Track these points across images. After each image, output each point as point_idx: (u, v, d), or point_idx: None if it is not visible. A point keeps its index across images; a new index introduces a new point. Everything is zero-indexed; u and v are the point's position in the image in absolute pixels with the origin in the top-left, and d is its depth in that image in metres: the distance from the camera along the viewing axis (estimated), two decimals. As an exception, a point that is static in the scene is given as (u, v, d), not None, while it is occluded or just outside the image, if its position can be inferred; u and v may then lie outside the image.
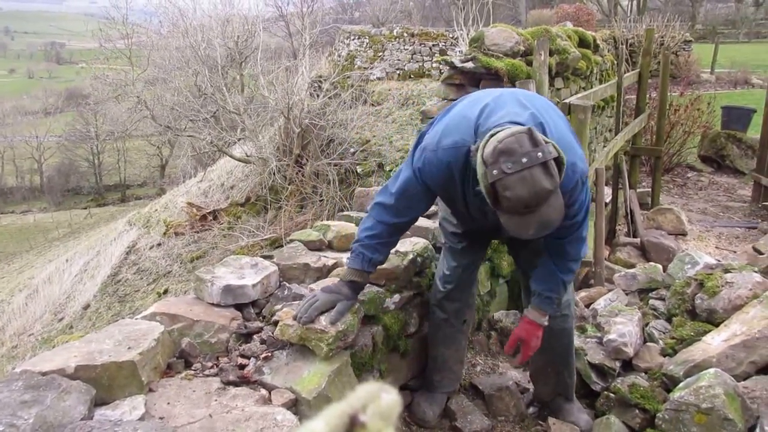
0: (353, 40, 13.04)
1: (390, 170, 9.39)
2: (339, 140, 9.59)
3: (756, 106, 8.50)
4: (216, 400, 2.04)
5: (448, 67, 3.54)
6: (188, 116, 10.32)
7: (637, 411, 2.52)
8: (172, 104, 10.43)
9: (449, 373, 2.75)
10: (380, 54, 12.22)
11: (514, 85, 3.49)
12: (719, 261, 3.15)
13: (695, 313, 2.82)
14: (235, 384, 2.13)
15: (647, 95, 6.57)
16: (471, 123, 2.02)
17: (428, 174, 2.10)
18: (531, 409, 2.78)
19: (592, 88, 5.11)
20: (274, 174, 9.42)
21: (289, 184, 9.50)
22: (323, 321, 2.20)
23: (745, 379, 2.31)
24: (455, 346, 2.74)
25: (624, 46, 7.17)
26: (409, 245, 2.75)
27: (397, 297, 2.58)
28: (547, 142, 1.78)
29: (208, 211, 10.24)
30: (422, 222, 3.00)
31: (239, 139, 10.16)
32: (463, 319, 2.76)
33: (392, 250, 2.68)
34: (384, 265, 2.55)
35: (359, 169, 9.43)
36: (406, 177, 2.18)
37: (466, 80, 3.58)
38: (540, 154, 1.72)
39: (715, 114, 9.88)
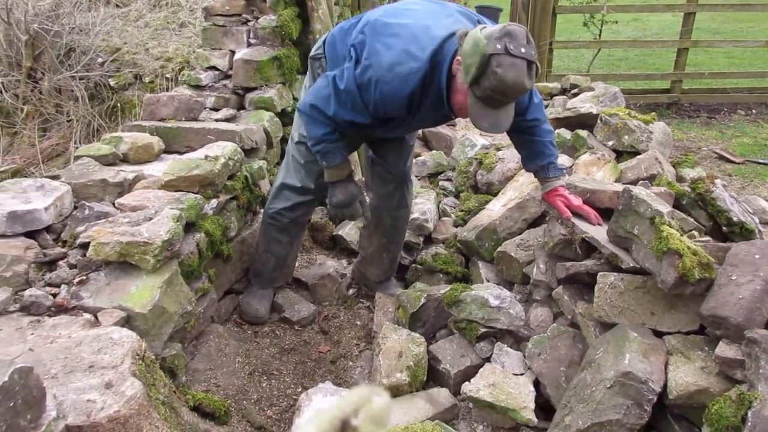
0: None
1: (150, 81, 8.54)
2: (82, 49, 8.27)
3: (502, 6, 9.36)
4: (33, 334, 1.83)
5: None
6: None
7: (441, 275, 2.90)
8: None
9: (287, 269, 2.85)
10: (117, -53, 10.61)
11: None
12: (491, 142, 3.64)
13: (477, 187, 3.26)
14: (51, 314, 1.92)
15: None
16: (424, 44, 1.96)
17: (388, 105, 2.02)
18: (351, 291, 3.01)
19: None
20: (1, 92, 7.90)
21: (24, 104, 8.08)
22: (144, 233, 2.05)
23: (520, 234, 2.80)
24: (297, 243, 2.81)
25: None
26: (218, 149, 2.64)
27: (214, 202, 2.51)
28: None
29: None
30: (228, 126, 2.89)
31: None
32: (308, 218, 2.84)
33: (202, 155, 2.58)
34: (197, 171, 2.45)
35: (113, 82, 8.36)
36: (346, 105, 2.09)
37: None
38: (533, 53, 1.80)
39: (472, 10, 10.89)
